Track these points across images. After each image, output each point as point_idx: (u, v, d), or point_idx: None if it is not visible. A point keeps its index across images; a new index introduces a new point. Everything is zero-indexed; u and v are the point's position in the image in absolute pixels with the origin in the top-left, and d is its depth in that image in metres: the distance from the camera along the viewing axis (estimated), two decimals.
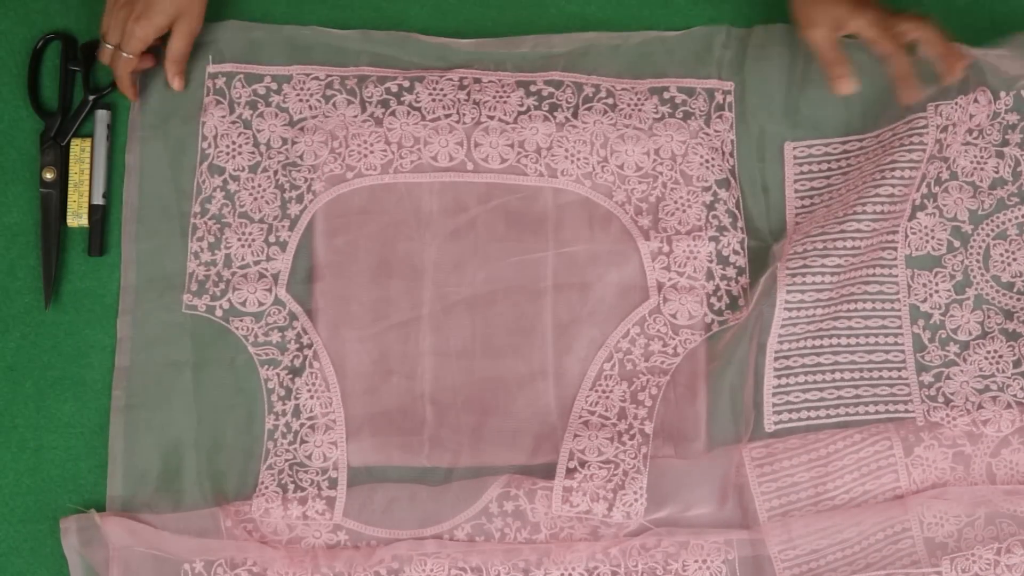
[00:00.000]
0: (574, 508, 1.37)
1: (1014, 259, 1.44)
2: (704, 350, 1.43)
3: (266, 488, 1.38)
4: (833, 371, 1.42)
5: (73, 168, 1.44)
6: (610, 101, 1.46)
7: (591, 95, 1.47)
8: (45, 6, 1.47)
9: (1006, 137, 1.46)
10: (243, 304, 1.42)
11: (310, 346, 1.41)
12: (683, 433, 1.41)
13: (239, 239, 1.43)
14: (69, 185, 1.43)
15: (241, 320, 1.42)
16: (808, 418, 1.41)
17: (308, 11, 1.49)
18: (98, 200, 1.43)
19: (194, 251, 1.43)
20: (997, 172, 1.45)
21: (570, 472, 1.39)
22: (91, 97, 1.45)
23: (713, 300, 1.44)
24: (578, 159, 1.45)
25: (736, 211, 1.45)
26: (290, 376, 1.41)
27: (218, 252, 1.43)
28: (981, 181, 1.45)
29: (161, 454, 1.39)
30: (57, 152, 1.44)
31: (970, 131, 1.45)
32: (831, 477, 1.39)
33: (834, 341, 1.42)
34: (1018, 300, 1.43)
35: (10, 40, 1.47)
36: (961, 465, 1.40)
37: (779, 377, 1.42)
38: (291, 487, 1.39)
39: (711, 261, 1.44)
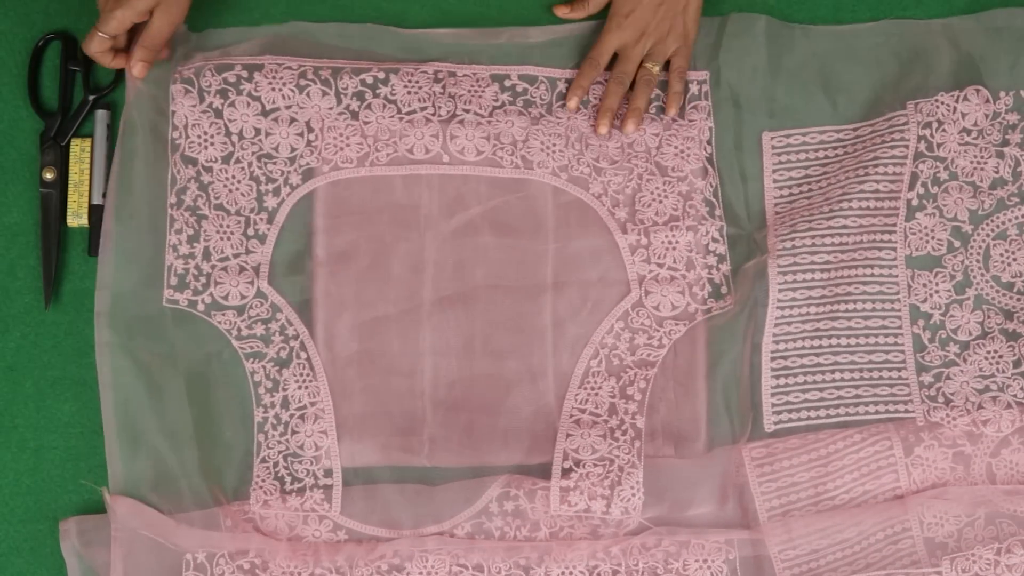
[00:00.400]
0: (572, 508, 1.37)
1: (1014, 259, 1.45)
2: (703, 349, 1.43)
3: (262, 481, 1.39)
4: (833, 371, 1.42)
5: (73, 168, 1.44)
6: (585, 96, 1.47)
7: (565, 91, 1.47)
8: (45, 6, 1.47)
9: (1006, 137, 1.46)
10: (225, 298, 1.42)
11: (296, 337, 1.41)
12: (683, 433, 1.42)
13: (217, 232, 1.42)
14: (69, 185, 1.43)
15: (224, 314, 1.42)
16: (808, 418, 1.42)
17: (308, 11, 1.48)
18: (98, 200, 1.43)
19: (173, 244, 1.42)
20: (997, 172, 1.46)
21: (566, 472, 1.39)
22: (91, 97, 1.45)
23: (696, 289, 1.44)
24: (553, 152, 1.45)
25: (714, 199, 1.45)
26: (276, 368, 1.41)
27: (197, 245, 1.42)
28: (981, 181, 1.45)
29: (154, 450, 1.39)
30: (57, 152, 1.44)
31: (968, 131, 1.46)
32: (831, 477, 1.39)
33: (834, 341, 1.43)
34: (1018, 300, 1.44)
35: (10, 40, 1.46)
36: (961, 465, 1.40)
37: (778, 377, 1.42)
38: (287, 479, 1.39)
39: (691, 251, 1.44)
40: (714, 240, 1.44)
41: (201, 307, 1.41)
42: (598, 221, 1.45)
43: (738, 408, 1.41)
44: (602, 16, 1.47)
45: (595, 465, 1.38)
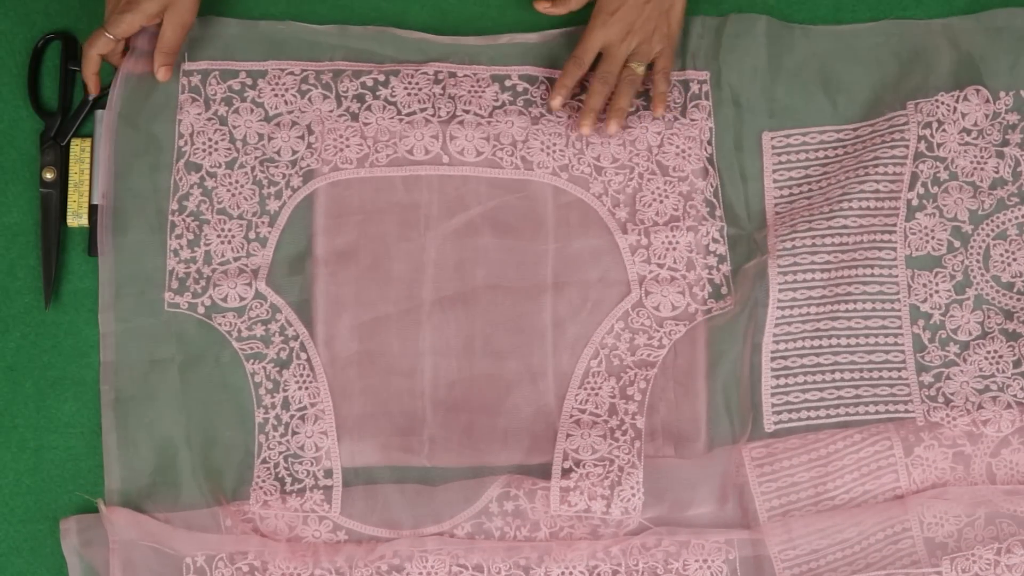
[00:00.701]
0: (572, 508, 1.37)
1: (1014, 259, 1.44)
2: (703, 349, 1.43)
3: (263, 482, 1.39)
4: (833, 371, 1.42)
5: (73, 168, 1.44)
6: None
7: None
8: (45, 6, 1.47)
9: (1006, 137, 1.46)
10: (224, 300, 1.42)
11: (296, 338, 1.42)
12: (683, 433, 1.41)
13: (218, 236, 1.43)
14: (69, 185, 1.43)
15: (224, 316, 1.42)
16: (808, 418, 1.42)
17: (308, 11, 1.48)
18: (98, 200, 1.43)
19: (173, 248, 1.43)
20: (997, 172, 1.46)
21: (566, 472, 1.39)
22: (91, 97, 1.44)
23: (696, 290, 1.44)
24: (554, 151, 1.45)
25: (715, 200, 1.45)
26: (277, 369, 1.41)
27: (197, 249, 1.43)
28: (981, 181, 1.45)
29: (154, 451, 1.39)
30: (57, 152, 1.44)
31: (968, 131, 1.46)
32: (831, 477, 1.39)
33: (834, 341, 1.42)
34: (1018, 300, 1.44)
35: (10, 40, 1.47)
36: (961, 465, 1.40)
37: (778, 377, 1.42)
38: (288, 480, 1.39)
39: (691, 251, 1.44)
40: (714, 240, 1.44)
41: (201, 309, 1.42)
42: (598, 221, 1.45)
43: (738, 408, 1.41)
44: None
45: (595, 465, 1.38)
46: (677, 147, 1.46)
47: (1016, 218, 1.45)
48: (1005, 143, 1.46)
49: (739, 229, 1.45)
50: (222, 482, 1.39)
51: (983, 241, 1.45)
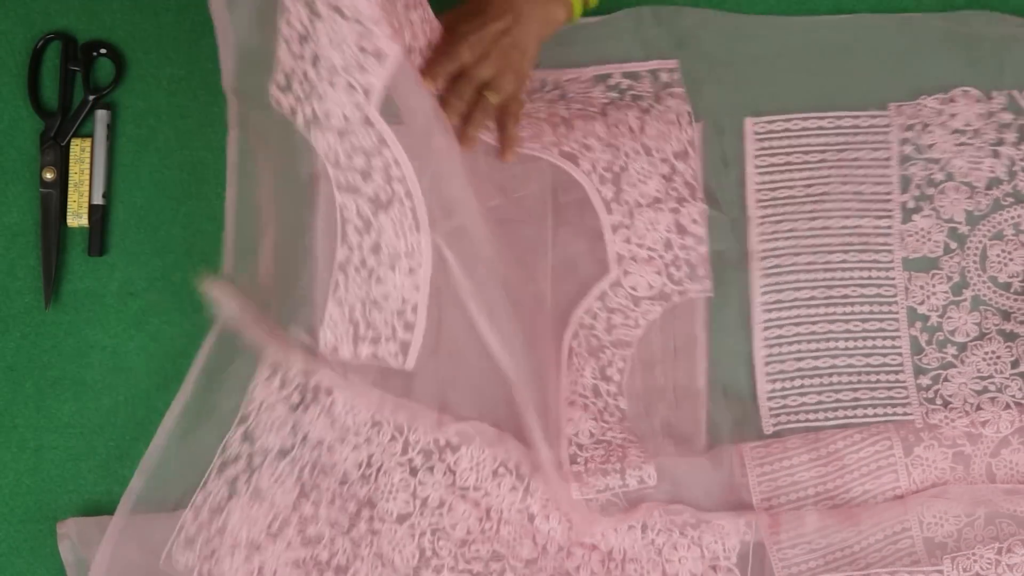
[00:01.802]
0: (591, 488, 1.36)
1: (1011, 259, 1.45)
2: (703, 350, 1.43)
3: (333, 322, 1.29)
4: (831, 374, 1.42)
5: (73, 168, 1.44)
6: (558, 92, 1.46)
7: (538, 87, 1.46)
8: (45, 6, 1.47)
9: (1001, 137, 1.47)
10: (327, 116, 1.23)
11: (401, 180, 1.26)
12: (683, 433, 1.41)
13: (329, 38, 1.20)
14: (69, 185, 1.43)
15: (323, 133, 1.25)
16: (807, 420, 1.42)
17: None
18: (98, 200, 1.43)
19: (285, 36, 1.22)
20: (993, 172, 1.46)
21: (572, 458, 1.37)
22: (91, 97, 1.45)
23: (672, 270, 1.43)
24: (541, 136, 1.41)
25: (694, 182, 1.45)
26: (372, 207, 1.27)
27: (307, 46, 1.21)
28: (977, 182, 1.46)
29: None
30: (57, 152, 1.44)
31: (962, 131, 1.46)
32: (831, 477, 1.39)
33: (831, 344, 1.43)
34: (1015, 300, 1.44)
35: (10, 40, 1.47)
36: (961, 465, 1.40)
37: (775, 381, 1.42)
38: (362, 325, 1.30)
39: (669, 231, 1.43)
40: (694, 222, 1.44)
41: (300, 119, 1.24)
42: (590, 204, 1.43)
43: (738, 409, 1.42)
44: (599, 11, 1.46)
45: (595, 447, 1.38)
46: (657, 130, 1.45)
47: (1012, 218, 1.46)
48: (1000, 143, 1.47)
49: (719, 212, 1.45)
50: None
51: (980, 242, 1.45)
